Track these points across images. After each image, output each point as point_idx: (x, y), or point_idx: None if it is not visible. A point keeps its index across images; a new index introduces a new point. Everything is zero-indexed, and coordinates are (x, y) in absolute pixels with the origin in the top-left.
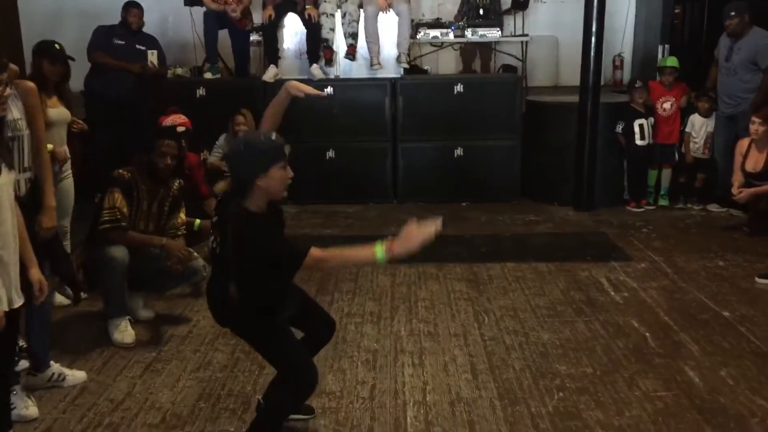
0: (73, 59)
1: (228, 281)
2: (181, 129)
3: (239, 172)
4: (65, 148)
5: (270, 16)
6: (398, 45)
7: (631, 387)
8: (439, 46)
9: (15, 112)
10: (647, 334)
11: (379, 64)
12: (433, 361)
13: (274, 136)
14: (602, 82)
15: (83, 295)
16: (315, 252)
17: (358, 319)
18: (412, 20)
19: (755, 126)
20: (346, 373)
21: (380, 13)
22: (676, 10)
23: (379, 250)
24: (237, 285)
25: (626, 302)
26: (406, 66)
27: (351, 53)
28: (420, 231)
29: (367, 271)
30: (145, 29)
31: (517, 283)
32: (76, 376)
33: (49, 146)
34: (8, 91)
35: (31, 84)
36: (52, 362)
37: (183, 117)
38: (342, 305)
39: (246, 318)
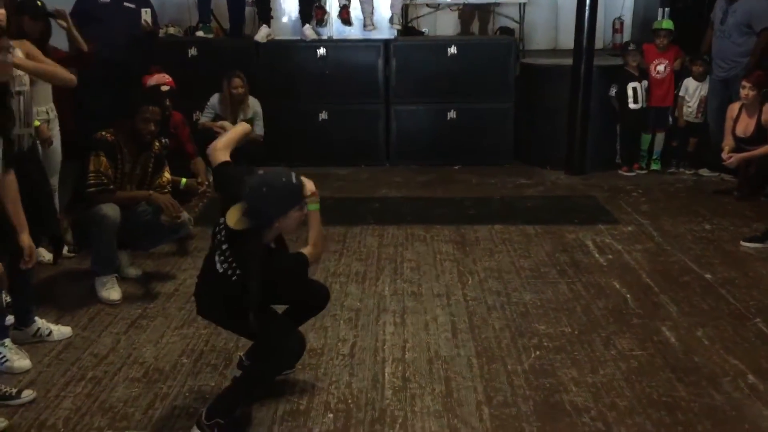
0: (54, 16)
1: (247, 310)
2: (165, 88)
3: (259, 213)
4: (48, 124)
5: None
6: (391, 6)
7: (607, 346)
8: (435, 7)
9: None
10: (628, 295)
11: (372, 25)
12: (415, 320)
13: (294, 178)
14: (602, 46)
15: (68, 254)
16: (307, 253)
17: (343, 279)
18: None
19: (746, 90)
20: (328, 330)
21: None
22: None
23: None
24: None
25: (610, 264)
26: (399, 27)
27: (345, 17)
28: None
29: (356, 233)
30: None
31: (504, 245)
32: (61, 331)
33: (37, 122)
34: (9, 57)
35: (26, 43)
36: (36, 318)
37: (167, 76)
38: (328, 265)
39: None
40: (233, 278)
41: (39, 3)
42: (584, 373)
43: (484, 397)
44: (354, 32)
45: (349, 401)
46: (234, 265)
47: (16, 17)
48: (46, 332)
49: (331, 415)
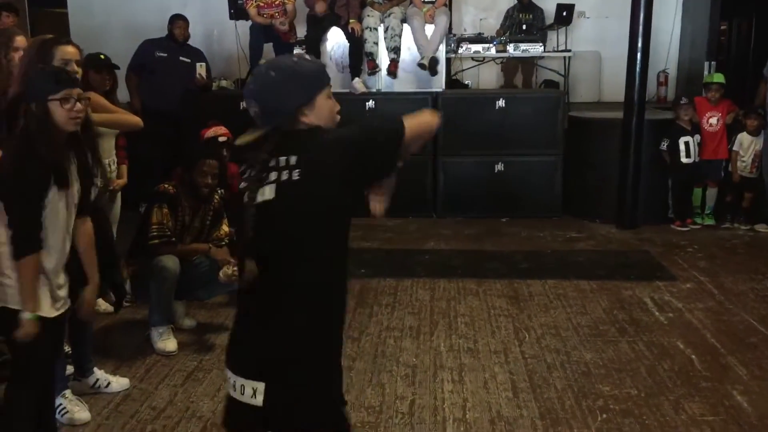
0: (117, 68)
1: (292, 309)
2: (222, 139)
3: (275, 108)
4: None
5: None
6: (424, 48)
7: (678, 410)
8: (480, 60)
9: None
10: (693, 356)
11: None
12: (473, 377)
13: (308, 56)
14: (646, 99)
15: (126, 303)
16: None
17: (397, 333)
18: (454, 35)
19: None
20: (386, 387)
21: (425, 24)
22: (723, 27)
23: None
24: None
25: (671, 323)
26: (425, 65)
27: (393, 70)
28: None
29: (407, 285)
30: (191, 42)
31: (559, 301)
32: (119, 382)
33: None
34: (83, 105)
35: (93, 94)
36: (95, 368)
37: (224, 128)
38: (381, 318)
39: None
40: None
41: (102, 56)
42: None
43: None
44: (402, 84)
45: None
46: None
47: (83, 73)
48: (105, 383)
49: None
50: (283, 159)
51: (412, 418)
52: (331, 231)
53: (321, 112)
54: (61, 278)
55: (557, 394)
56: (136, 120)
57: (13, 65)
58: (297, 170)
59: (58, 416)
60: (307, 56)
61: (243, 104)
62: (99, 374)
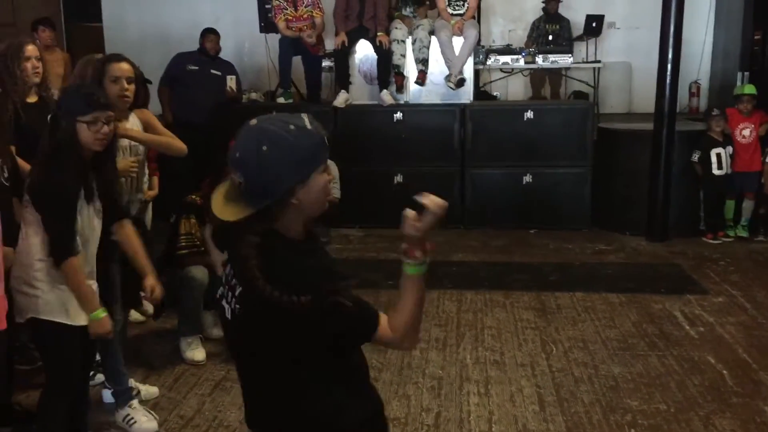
0: (150, 82)
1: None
2: None
3: (263, 186)
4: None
5: (343, 42)
6: (452, 63)
7: (708, 426)
8: (508, 72)
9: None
10: (724, 371)
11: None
12: (500, 390)
13: (307, 120)
14: (678, 110)
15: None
16: (384, 323)
17: (423, 345)
18: (482, 46)
19: None
20: (411, 399)
21: (453, 37)
22: (757, 36)
23: (410, 269)
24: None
25: (702, 337)
26: (452, 87)
27: (421, 79)
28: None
29: (433, 297)
30: (222, 55)
31: (587, 314)
32: (149, 391)
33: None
34: (110, 129)
35: (146, 111)
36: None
37: None
38: None
39: None
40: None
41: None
42: None
43: None
44: (430, 96)
45: None
46: (236, 287)
47: None
48: (134, 392)
49: None
50: (234, 284)
51: (438, 430)
52: (290, 359)
53: (314, 191)
54: (92, 287)
55: (584, 409)
56: (182, 147)
57: (26, 75)
58: (238, 306)
59: (125, 426)
60: (307, 120)
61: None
62: (131, 383)
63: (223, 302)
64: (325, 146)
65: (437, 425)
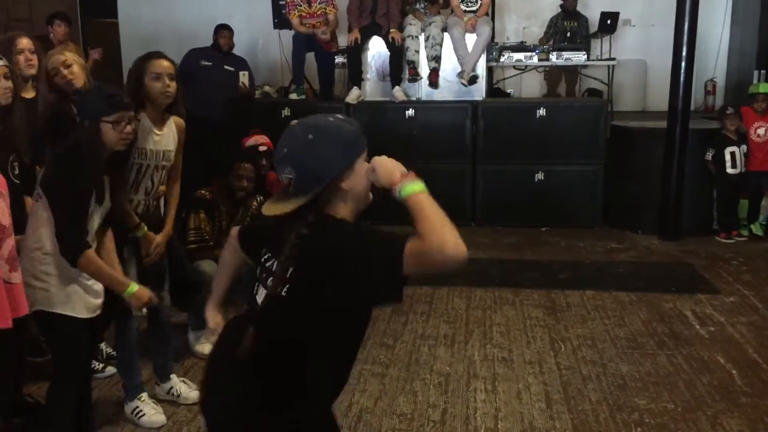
0: None
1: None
2: (263, 148)
3: (312, 174)
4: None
5: (356, 39)
6: (464, 61)
7: (715, 426)
8: (522, 69)
9: (170, 144)
10: (734, 371)
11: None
12: (507, 387)
13: (342, 114)
14: (693, 108)
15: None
16: (413, 240)
17: (431, 342)
18: (496, 43)
19: None
20: (418, 395)
21: (467, 34)
22: None
23: (406, 189)
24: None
25: (712, 337)
26: (465, 84)
27: (434, 81)
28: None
29: (443, 294)
30: (236, 51)
31: (597, 312)
32: (189, 395)
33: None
34: (132, 128)
35: (182, 121)
36: (173, 376)
37: (265, 137)
38: (416, 326)
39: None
40: (284, 293)
41: None
42: None
43: None
44: (442, 93)
45: None
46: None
47: None
48: (176, 394)
49: None
50: (279, 265)
51: (444, 427)
52: (322, 337)
53: (360, 177)
54: (97, 284)
55: (591, 407)
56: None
57: (19, 68)
58: (287, 286)
59: (134, 418)
60: (341, 117)
61: (284, 112)
62: (175, 382)
63: (257, 291)
64: (362, 135)
65: (443, 421)
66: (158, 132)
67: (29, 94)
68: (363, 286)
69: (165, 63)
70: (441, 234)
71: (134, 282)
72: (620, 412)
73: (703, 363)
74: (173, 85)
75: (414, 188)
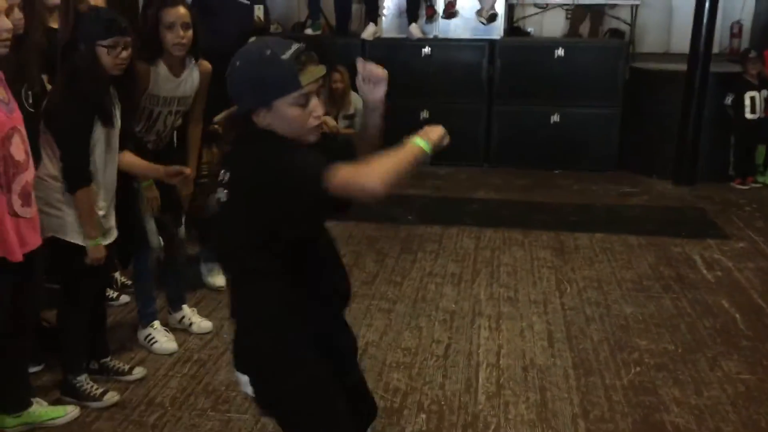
0: None
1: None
2: None
3: (234, 98)
4: None
5: None
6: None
7: (713, 368)
8: (543, 7)
9: (188, 90)
10: (737, 315)
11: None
12: (510, 326)
13: (290, 50)
14: (718, 50)
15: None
16: (338, 172)
17: (439, 280)
18: None
19: None
20: (423, 331)
21: None
22: None
23: (418, 140)
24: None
25: (718, 281)
26: (484, 22)
27: (450, 10)
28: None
29: (452, 233)
30: None
31: (604, 255)
32: (201, 326)
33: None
34: (128, 54)
35: (209, 66)
36: (185, 306)
37: None
38: (424, 264)
39: (258, 338)
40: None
41: None
42: (687, 394)
43: (581, 411)
44: (459, 31)
45: (443, 403)
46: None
47: (145, 11)
48: (188, 323)
49: (424, 416)
50: (222, 173)
51: (447, 361)
52: (268, 238)
53: (282, 119)
54: (107, 212)
55: (593, 346)
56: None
57: None
58: (226, 191)
59: (146, 345)
60: (291, 50)
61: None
62: (186, 311)
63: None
64: (295, 78)
65: (446, 356)
66: (175, 79)
67: (55, 24)
68: (283, 193)
69: (180, 11)
70: (380, 176)
71: (102, 237)
72: (621, 352)
73: (707, 307)
74: (188, 35)
75: (418, 141)
